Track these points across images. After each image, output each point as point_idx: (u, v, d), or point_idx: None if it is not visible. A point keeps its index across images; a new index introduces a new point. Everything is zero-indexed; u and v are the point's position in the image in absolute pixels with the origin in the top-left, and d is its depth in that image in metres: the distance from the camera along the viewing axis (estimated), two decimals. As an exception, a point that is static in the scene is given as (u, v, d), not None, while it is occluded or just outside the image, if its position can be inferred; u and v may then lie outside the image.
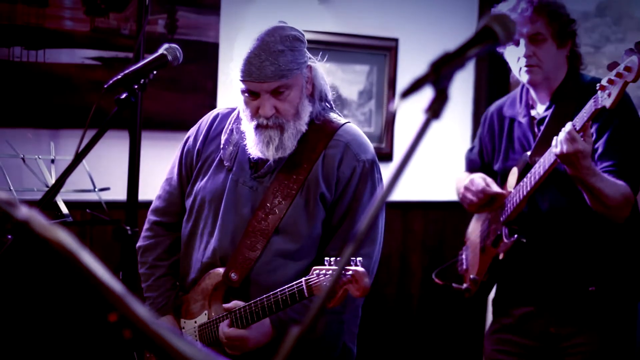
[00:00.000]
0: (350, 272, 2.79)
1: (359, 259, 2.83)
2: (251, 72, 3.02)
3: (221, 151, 3.28)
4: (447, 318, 6.04)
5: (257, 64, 3.01)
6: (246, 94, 3.09)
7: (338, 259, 2.85)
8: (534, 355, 3.67)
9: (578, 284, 3.54)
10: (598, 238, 3.54)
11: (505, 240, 3.59)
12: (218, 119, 3.38)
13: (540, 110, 3.64)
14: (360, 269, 2.80)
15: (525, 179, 3.49)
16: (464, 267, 3.88)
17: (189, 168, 3.37)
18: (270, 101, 3.06)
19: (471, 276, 3.75)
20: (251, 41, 3.04)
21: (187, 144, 3.40)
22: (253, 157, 3.20)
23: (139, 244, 3.47)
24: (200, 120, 3.43)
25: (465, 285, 3.81)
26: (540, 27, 3.51)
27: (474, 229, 3.90)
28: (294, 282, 2.95)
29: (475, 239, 3.83)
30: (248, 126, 3.14)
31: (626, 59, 3.15)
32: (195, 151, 3.35)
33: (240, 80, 3.06)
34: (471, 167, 3.94)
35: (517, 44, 3.53)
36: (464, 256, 3.92)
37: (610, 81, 3.17)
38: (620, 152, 3.45)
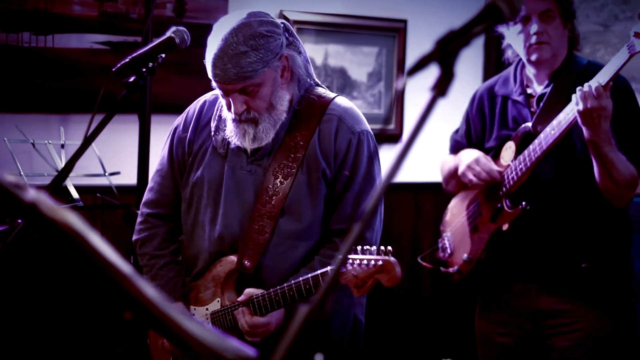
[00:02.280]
0: (380, 262, 2.78)
1: (389, 247, 2.82)
2: (216, 74, 2.99)
3: (213, 139, 3.26)
4: (458, 299, 6.04)
5: (221, 66, 2.97)
6: (220, 91, 3.09)
7: (366, 247, 2.83)
8: (527, 334, 3.65)
9: (571, 259, 3.52)
10: (593, 214, 3.52)
11: (508, 210, 3.55)
12: (206, 106, 3.35)
13: (537, 88, 3.62)
14: (391, 259, 2.79)
15: (528, 150, 3.46)
16: (449, 251, 3.84)
17: (181, 158, 3.34)
18: (240, 98, 3.05)
19: (464, 256, 3.69)
20: (217, 39, 3.00)
21: (177, 134, 3.37)
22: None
23: (134, 237, 3.43)
24: (187, 109, 3.41)
25: (454, 267, 3.77)
26: (550, 4, 3.50)
27: (456, 213, 3.86)
28: (319, 271, 2.94)
29: (461, 221, 3.80)
30: (228, 115, 3.15)
31: None
32: (186, 141, 3.32)
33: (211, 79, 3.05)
34: (456, 148, 3.90)
35: (526, 21, 3.51)
36: (446, 242, 3.88)
37: None
38: (623, 135, 3.43)
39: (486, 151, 3.72)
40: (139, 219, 3.45)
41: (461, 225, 3.78)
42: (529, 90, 3.65)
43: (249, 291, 3.11)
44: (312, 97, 3.21)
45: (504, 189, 3.55)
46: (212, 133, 3.27)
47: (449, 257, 3.81)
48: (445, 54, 1.42)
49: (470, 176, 3.64)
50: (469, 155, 3.69)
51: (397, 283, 2.78)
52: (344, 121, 3.17)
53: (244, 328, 3.10)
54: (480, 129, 3.79)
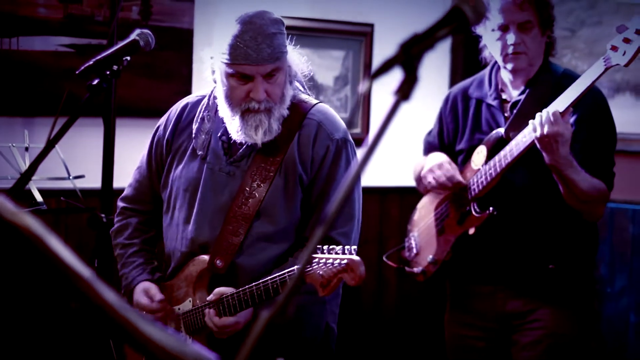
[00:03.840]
0: (345, 261, 2.78)
1: (353, 247, 2.82)
2: (248, 54, 3.00)
3: (193, 140, 3.27)
4: (424, 304, 6.05)
5: (254, 46, 2.99)
6: (234, 78, 3.07)
7: (331, 247, 2.83)
8: (496, 336, 3.67)
9: (539, 261, 3.54)
10: (561, 219, 3.53)
11: (475, 215, 3.55)
12: (188, 108, 3.36)
13: (513, 93, 3.63)
14: (356, 257, 2.79)
15: (498, 156, 3.46)
16: (414, 251, 3.83)
17: (159, 158, 3.36)
18: (263, 85, 3.05)
19: (429, 257, 3.68)
20: (238, 25, 3.02)
21: (157, 134, 3.39)
22: (225, 144, 3.20)
23: (111, 229, 3.49)
24: (170, 110, 3.41)
25: (419, 268, 3.76)
26: (530, 14, 3.48)
27: (424, 214, 3.87)
28: (286, 270, 2.94)
29: (428, 222, 3.80)
30: (232, 113, 3.12)
31: (630, 25, 3.17)
32: (164, 141, 3.34)
33: (232, 64, 3.03)
34: (429, 149, 3.90)
35: (505, 29, 3.50)
36: (412, 242, 3.88)
37: (626, 40, 3.17)
38: (593, 151, 3.45)
39: (457, 153, 3.73)
40: (116, 212, 3.50)
41: (428, 226, 3.78)
42: (503, 95, 3.65)
43: (219, 290, 3.11)
44: (294, 102, 3.22)
45: (472, 193, 3.55)
46: (193, 134, 3.27)
47: (414, 257, 3.81)
48: (409, 57, 1.42)
49: (430, 179, 3.65)
50: (434, 159, 3.70)
51: (361, 282, 2.79)
52: (323, 127, 3.18)
53: (212, 328, 3.10)
54: (453, 130, 3.79)
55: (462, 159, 3.70)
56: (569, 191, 3.36)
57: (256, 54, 3.00)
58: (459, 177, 3.60)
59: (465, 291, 3.76)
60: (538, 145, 3.27)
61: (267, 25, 3.02)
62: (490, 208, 3.51)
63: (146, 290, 3.27)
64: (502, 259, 3.59)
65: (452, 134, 3.79)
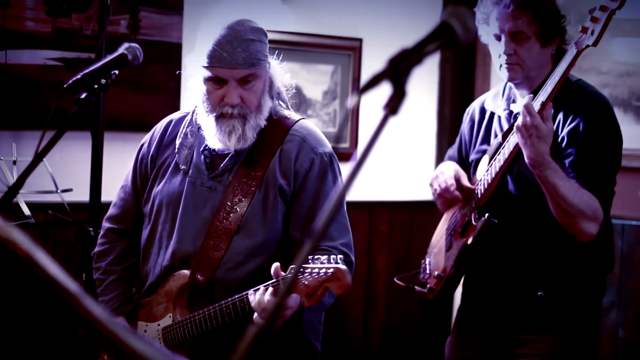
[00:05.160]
0: (331, 270, 2.77)
1: (339, 256, 2.81)
2: (222, 57, 3.02)
3: (176, 155, 3.28)
4: (413, 320, 6.05)
5: (229, 50, 3.01)
6: (211, 82, 3.09)
7: (316, 257, 2.82)
8: (493, 356, 3.61)
9: (528, 287, 3.46)
10: (552, 241, 3.43)
11: (474, 223, 3.48)
12: (172, 124, 3.37)
13: (521, 104, 3.45)
14: (342, 266, 2.78)
15: (493, 161, 3.43)
16: (428, 272, 3.77)
17: (144, 175, 3.36)
18: (237, 90, 3.06)
19: (435, 273, 3.64)
20: (218, 30, 3.05)
21: (142, 151, 3.39)
22: (208, 159, 3.20)
23: (94, 250, 3.47)
24: (154, 127, 3.43)
25: (427, 287, 3.71)
26: (523, 24, 3.34)
27: (439, 234, 3.83)
28: (270, 282, 2.91)
29: (440, 240, 3.77)
30: (208, 118, 3.14)
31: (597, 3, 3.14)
32: (149, 158, 3.35)
33: (208, 67, 3.06)
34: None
35: (499, 39, 3.40)
36: (427, 263, 3.83)
37: (593, 19, 3.12)
38: (589, 162, 3.32)
39: (470, 165, 3.70)
40: (100, 233, 3.48)
41: (440, 246, 3.74)
42: (512, 106, 3.54)
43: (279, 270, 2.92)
44: (279, 116, 3.23)
45: (473, 203, 3.52)
46: (176, 149, 3.28)
47: (427, 278, 3.76)
48: (397, 72, 1.42)
49: (435, 185, 3.63)
50: (441, 167, 3.69)
51: (347, 290, 2.78)
52: (307, 142, 3.18)
53: (261, 307, 2.91)
54: (469, 141, 3.73)
55: (472, 170, 3.66)
56: (552, 199, 3.24)
57: (230, 57, 3.02)
58: (465, 182, 3.58)
59: (467, 315, 3.72)
60: (517, 140, 3.22)
61: (246, 31, 3.05)
62: (486, 215, 3.43)
63: None
64: (497, 283, 3.55)
65: (468, 147, 3.75)
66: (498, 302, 3.57)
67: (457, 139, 3.85)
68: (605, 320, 5.22)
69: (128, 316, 3.32)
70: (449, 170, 3.64)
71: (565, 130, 3.35)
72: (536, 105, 3.21)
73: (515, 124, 3.23)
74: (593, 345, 3.55)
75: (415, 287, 3.76)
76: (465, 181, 3.60)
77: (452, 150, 3.89)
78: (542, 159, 3.20)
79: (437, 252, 3.75)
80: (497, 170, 3.41)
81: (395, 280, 3.95)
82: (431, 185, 3.70)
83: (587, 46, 3.16)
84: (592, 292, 3.54)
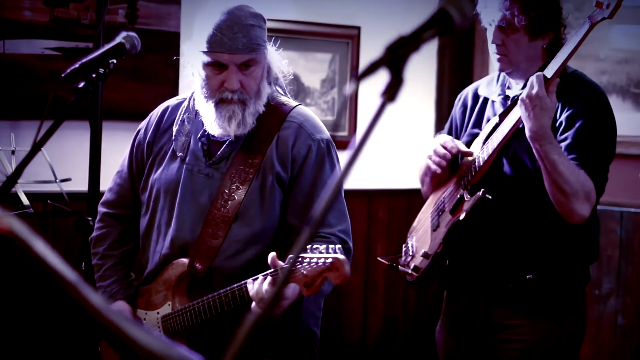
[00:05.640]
0: (330, 260, 2.77)
1: (338, 246, 2.81)
2: (223, 42, 3.02)
3: (173, 142, 3.27)
4: (411, 306, 6.05)
5: (230, 35, 3.02)
6: (210, 67, 3.09)
7: (315, 246, 2.82)
8: (480, 345, 3.60)
9: (516, 271, 3.45)
10: (546, 224, 3.42)
11: (466, 199, 3.43)
12: (168, 111, 3.37)
13: (516, 90, 3.49)
14: (341, 256, 2.78)
15: (491, 139, 3.41)
16: (411, 254, 3.74)
17: (140, 162, 3.36)
18: (237, 75, 3.06)
19: (422, 251, 3.59)
20: (218, 15, 3.05)
21: (138, 138, 3.39)
22: (205, 146, 3.20)
23: (91, 235, 3.47)
24: (151, 114, 3.42)
25: (411, 265, 3.63)
26: (511, 16, 3.31)
27: (422, 218, 3.81)
28: (269, 271, 2.92)
29: (425, 223, 3.74)
30: (207, 104, 3.13)
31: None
32: (145, 144, 3.34)
33: (208, 52, 3.06)
34: None
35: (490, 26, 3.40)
36: (410, 245, 3.80)
37: None
38: (586, 148, 3.32)
39: None
40: (97, 218, 3.48)
41: (425, 227, 3.72)
42: (507, 92, 3.53)
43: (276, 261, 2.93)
44: (274, 104, 3.22)
45: (466, 180, 3.48)
46: (174, 136, 3.27)
47: (410, 260, 3.72)
48: (394, 59, 1.42)
49: (430, 152, 3.54)
50: (432, 141, 3.65)
51: (346, 280, 2.78)
52: (304, 128, 3.18)
53: (259, 297, 2.92)
54: (460, 125, 3.70)
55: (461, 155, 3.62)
56: (549, 176, 3.23)
57: (231, 42, 3.02)
58: (463, 147, 3.54)
59: (454, 300, 3.72)
60: (521, 112, 3.22)
61: (246, 17, 3.05)
62: (481, 190, 3.38)
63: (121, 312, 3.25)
64: (483, 267, 3.54)
65: (458, 131, 3.72)
66: (486, 286, 3.56)
67: (447, 124, 3.83)
68: (605, 307, 5.24)
69: (130, 303, 3.32)
70: (445, 136, 3.63)
71: (564, 115, 3.36)
72: (547, 74, 3.22)
73: (520, 96, 3.23)
74: (578, 333, 3.56)
75: (399, 266, 3.73)
76: (463, 147, 3.57)
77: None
78: (543, 132, 3.20)
79: (422, 234, 3.72)
80: (495, 147, 3.38)
81: (379, 259, 3.95)
82: (425, 162, 3.62)
83: (603, 18, 3.16)
84: (577, 280, 3.54)
